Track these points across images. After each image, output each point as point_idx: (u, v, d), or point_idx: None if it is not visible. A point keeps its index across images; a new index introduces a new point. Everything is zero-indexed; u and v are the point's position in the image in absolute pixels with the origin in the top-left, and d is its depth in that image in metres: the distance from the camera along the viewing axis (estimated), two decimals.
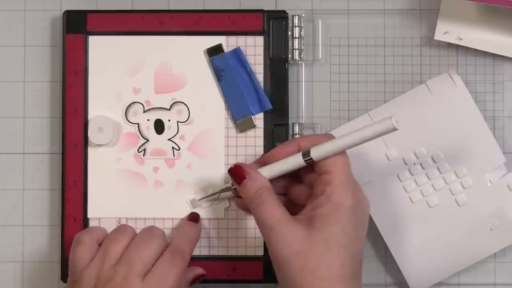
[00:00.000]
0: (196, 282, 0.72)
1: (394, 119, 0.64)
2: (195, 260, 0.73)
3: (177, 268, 0.67)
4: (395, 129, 0.64)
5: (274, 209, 0.65)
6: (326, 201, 0.64)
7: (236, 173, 0.67)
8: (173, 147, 0.75)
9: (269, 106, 0.74)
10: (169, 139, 0.75)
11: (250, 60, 0.75)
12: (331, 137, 0.67)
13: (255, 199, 0.66)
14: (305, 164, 0.66)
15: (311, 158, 0.66)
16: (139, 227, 0.74)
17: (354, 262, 0.64)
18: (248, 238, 0.74)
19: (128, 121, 0.75)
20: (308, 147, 0.67)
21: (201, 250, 0.74)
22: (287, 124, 0.75)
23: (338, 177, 0.65)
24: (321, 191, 0.65)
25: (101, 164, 0.74)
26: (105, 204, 0.74)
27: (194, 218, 0.73)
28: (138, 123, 0.75)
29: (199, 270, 0.72)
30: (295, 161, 0.67)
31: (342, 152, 0.66)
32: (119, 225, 0.73)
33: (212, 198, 0.74)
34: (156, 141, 0.75)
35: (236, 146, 0.75)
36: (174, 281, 0.67)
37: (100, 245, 0.69)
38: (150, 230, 0.70)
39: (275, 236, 0.64)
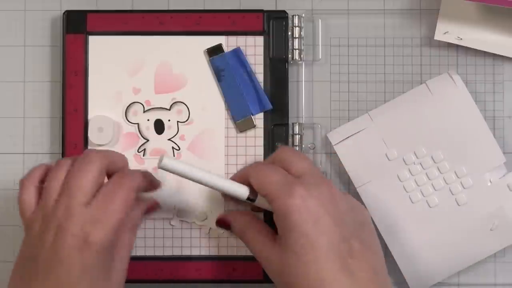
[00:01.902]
0: (150, 213, 0.71)
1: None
2: (195, 260, 0.74)
3: (124, 190, 0.65)
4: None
5: (256, 240, 0.68)
6: (276, 216, 0.65)
7: (222, 224, 0.72)
8: (173, 147, 0.75)
9: (269, 106, 0.74)
10: (169, 139, 0.75)
11: (250, 60, 0.75)
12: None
13: (240, 236, 0.70)
14: (250, 198, 0.68)
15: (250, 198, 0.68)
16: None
17: (337, 257, 0.63)
18: None
19: (128, 121, 0.75)
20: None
21: (201, 250, 0.74)
22: (287, 124, 0.75)
23: (271, 191, 0.65)
24: (272, 208, 0.66)
25: None
26: None
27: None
28: (138, 123, 0.75)
29: (152, 201, 0.71)
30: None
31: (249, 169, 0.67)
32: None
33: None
34: (156, 141, 0.75)
35: (236, 146, 0.75)
36: (120, 203, 0.64)
37: None
38: (86, 155, 0.66)
39: (262, 262, 0.67)
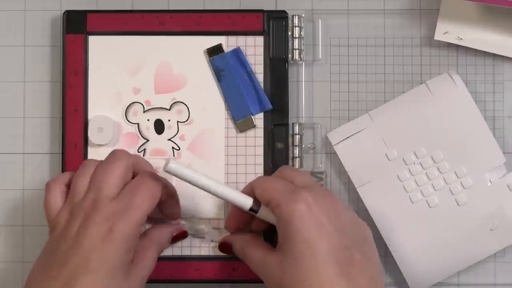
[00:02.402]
0: (178, 240, 0.73)
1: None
2: (195, 260, 0.74)
3: (150, 186, 0.66)
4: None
5: (255, 254, 0.68)
6: (279, 223, 0.65)
7: (224, 248, 0.72)
8: (173, 147, 0.75)
9: (269, 106, 0.74)
10: (169, 139, 0.75)
11: (250, 60, 0.75)
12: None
13: (242, 255, 0.70)
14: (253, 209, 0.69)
15: (253, 210, 0.69)
16: None
17: (337, 262, 0.63)
18: None
19: (128, 121, 0.75)
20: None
21: (201, 250, 0.74)
22: (287, 124, 0.75)
23: (274, 197, 0.65)
24: (275, 217, 0.66)
25: None
26: None
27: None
28: (138, 123, 0.75)
29: (182, 228, 0.73)
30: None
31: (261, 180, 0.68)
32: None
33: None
34: (156, 141, 0.75)
35: (236, 146, 0.75)
36: (145, 198, 0.65)
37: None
38: (112, 154, 0.68)
39: (262, 274, 0.67)
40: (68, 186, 0.68)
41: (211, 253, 0.74)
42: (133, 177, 0.68)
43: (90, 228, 0.64)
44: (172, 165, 0.66)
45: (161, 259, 0.74)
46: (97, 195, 0.65)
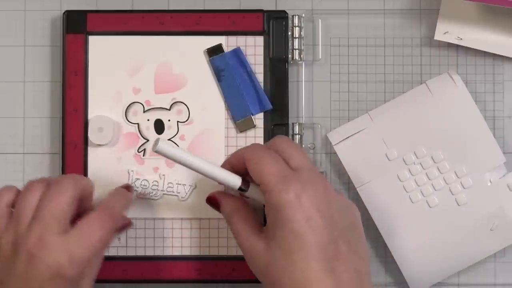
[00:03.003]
0: (123, 231, 0.72)
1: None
2: (194, 260, 0.74)
3: (104, 229, 0.65)
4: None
5: (241, 229, 0.67)
6: (269, 209, 0.65)
7: (212, 203, 0.70)
8: None
9: (269, 106, 0.74)
10: (169, 139, 0.75)
11: (250, 60, 0.75)
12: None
13: (227, 220, 0.69)
14: (242, 188, 0.68)
15: (242, 189, 0.68)
16: (139, 227, 0.74)
17: (324, 257, 0.63)
18: None
19: (128, 121, 0.75)
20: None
21: (201, 250, 0.74)
22: (287, 124, 0.75)
23: (267, 182, 0.64)
24: (265, 200, 0.65)
25: (101, 164, 0.74)
26: None
27: (127, 187, 0.73)
28: (138, 123, 0.75)
29: (126, 220, 0.70)
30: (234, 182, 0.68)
31: (256, 160, 0.66)
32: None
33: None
34: None
35: (236, 146, 0.75)
36: (99, 241, 0.64)
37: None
38: (58, 184, 0.66)
39: (245, 253, 0.66)
40: (10, 204, 0.66)
41: (211, 253, 0.74)
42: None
43: (39, 270, 0.62)
44: (161, 145, 0.65)
45: (160, 259, 0.74)
46: (43, 232, 0.63)
